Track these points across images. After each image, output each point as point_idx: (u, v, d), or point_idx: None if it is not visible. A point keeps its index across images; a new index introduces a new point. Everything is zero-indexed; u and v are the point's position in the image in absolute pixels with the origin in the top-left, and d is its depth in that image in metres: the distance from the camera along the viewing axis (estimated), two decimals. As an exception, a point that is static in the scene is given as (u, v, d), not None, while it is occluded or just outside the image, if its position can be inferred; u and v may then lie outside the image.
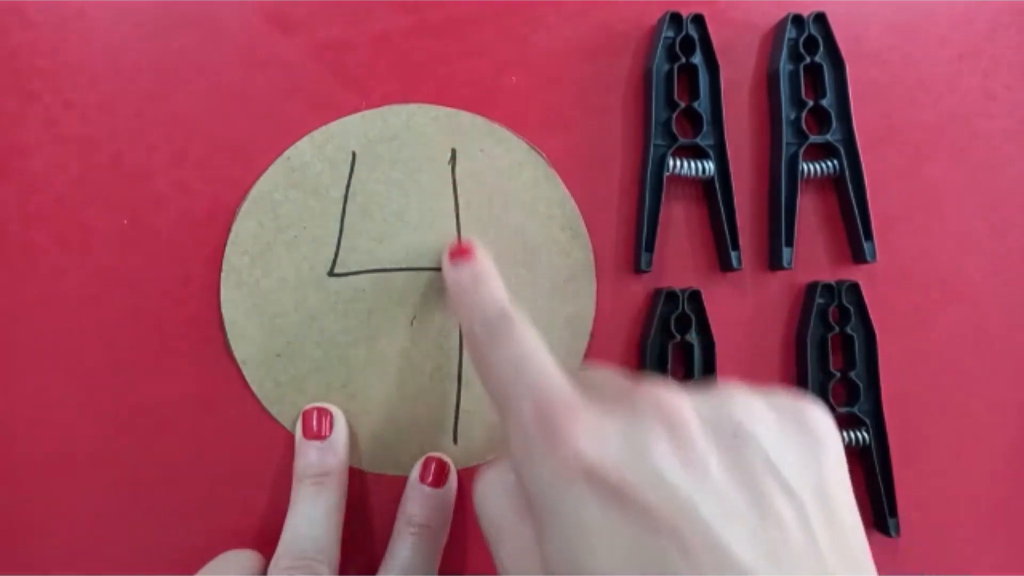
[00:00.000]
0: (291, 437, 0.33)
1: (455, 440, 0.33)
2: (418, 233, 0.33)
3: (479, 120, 0.34)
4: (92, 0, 0.33)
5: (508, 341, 0.25)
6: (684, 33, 0.34)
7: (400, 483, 0.33)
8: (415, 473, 0.33)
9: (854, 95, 0.35)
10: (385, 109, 0.33)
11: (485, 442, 0.33)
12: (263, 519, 0.33)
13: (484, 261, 0.31)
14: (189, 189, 0.33)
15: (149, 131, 0.33)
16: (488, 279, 0.29)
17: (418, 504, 0.32)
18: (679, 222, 0.35)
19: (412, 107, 0.34)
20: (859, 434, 0.34)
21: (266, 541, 0.33)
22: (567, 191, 0.34)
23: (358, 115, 0.33)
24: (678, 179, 0.34)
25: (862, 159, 0.34)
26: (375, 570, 0.32)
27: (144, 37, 0.33)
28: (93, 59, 0.33)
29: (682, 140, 0.34)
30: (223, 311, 0.32)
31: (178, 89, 0.33)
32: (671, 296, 0.34)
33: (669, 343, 0.34)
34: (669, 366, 0.34)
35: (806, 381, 0.34)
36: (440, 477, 0.32)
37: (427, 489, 0.32)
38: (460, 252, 0.31)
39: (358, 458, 0.33)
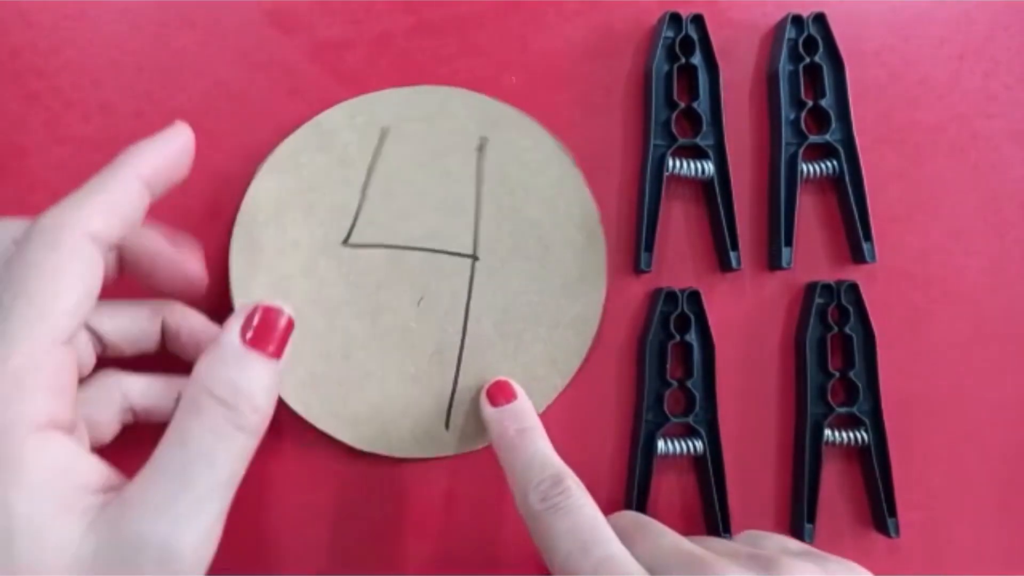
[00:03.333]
0: (288, 409, 0.32)
1: (447, 426, 0.33)
2: (437, 215, 0.33)
3: (512, 111, 0.34)
4: (92, 0, 0.33)
5: (567, 512, 0.26)
6: (684, 33, 0.34)
7: (391, 465, 0.33)
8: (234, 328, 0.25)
9: (854, 95, 0.35)
10: (421, 88, 0.34)
11: (477, 431, 0.33)
12: (259, 489, 0.33)
13: (526, 407, 0.31)
14: (189, 189, 0.33)
15: (149, 131, 0.33)
16: (535, 434, 0.30)
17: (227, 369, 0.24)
18: (679, 222, 0.35)
19: (447, 90, 0.34)
20: (858, 434, 0.34)
21: (264, 508, 0.33)
22: (590, 194, 0.34)
23: (393, 91, 0.33)
24: (678, 179, 0.34)
25: (862, 159, 0.34)
26: (367, 566, 0.33)
27: (144, 37, 0.33)
28: (93, 59, 0.33)
29: (682, 140, 0.34)
30: (231, 265, 0.32)
31: (178, 89, 0.33)
32: (671, 296, 0.34)
33: (668, 343, 0.34)
34: (668, 366, 0.34)
35: (805, 381, 0.34)
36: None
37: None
38: (500, 393, 0.32)
39: (349, 433, 0.33)
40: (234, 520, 0.33)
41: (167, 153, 0.27)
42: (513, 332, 0.33)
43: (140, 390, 0.29)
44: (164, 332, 0.29)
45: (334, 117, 0.33)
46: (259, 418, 0.24)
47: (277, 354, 0.25)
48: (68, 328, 0.23)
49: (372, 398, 0.33)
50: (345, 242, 0.33)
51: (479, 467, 0.34)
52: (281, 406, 0.32)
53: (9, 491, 0.21)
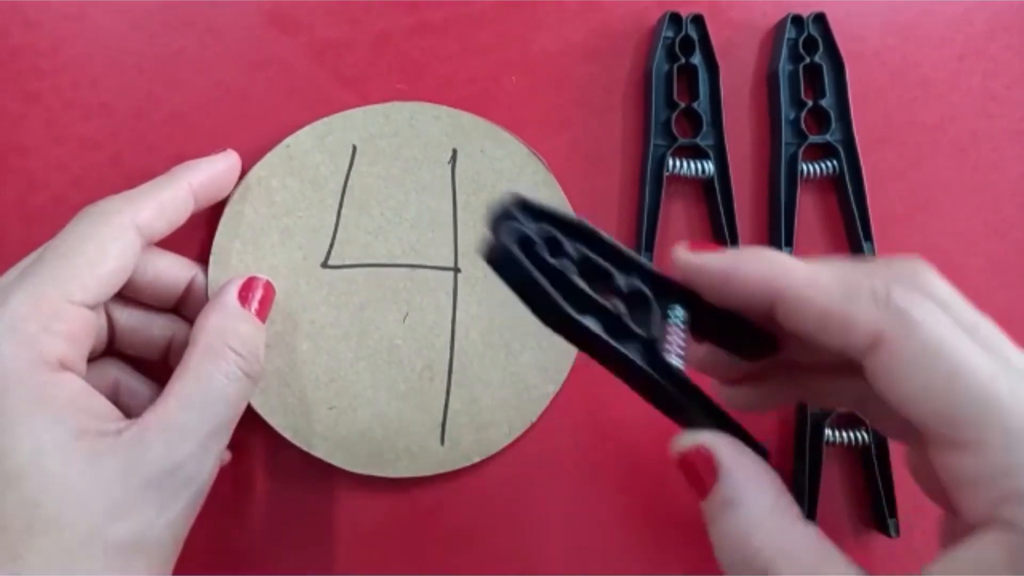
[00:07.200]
0: (273, 432, 0.32)
1: (442, 441, 0.33)
2: (415, 230, 0.33)
3: (481, 121, 0.34)
4: (92, 0, 0.33)
5: None
6: (684, 33, 0.34)
7: (384, 484, 0.33)
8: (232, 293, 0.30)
9: (854, 95, 0.35)
10: (388, 105, 0.33)
11: (472, 444, 0.33)
12: (245, 513, 0.33)
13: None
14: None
15: (149, 131, 0.33)
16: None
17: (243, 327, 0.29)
18: (679, 222, 0.35)
19: (415, 105, 0.34)
20: (859, 434, 0.34)
21: (246, 531, 0.33)
22: (565, 197, 0.34)
23: (360, 110, 0.33)
24: (678, 179, 0.34)
25: (862, 159, 0.34)
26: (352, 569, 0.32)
27: (144, 37, 0.33)
28: (93, 59, 0.33)
29: (682, 140, 0.34)
30: (209, 294, 0.31)
31: (178, 89, 0.33)
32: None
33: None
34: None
35: (806, 381, 0.34)
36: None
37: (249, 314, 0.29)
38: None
39: (342, 456, 0.32)
40: (225, 540, 0.33)
41: (216, 171, 0.31)
42: (501, 342, 0.33)
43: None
44: (169, 347, 0.31)
45: (302, 140, 0.33)
46: (261, 369, 0.29)
47: (262, 318, 0.30)
48: (95, 293, 0.26)
49: (364, 419, 0.32)
50: (325, 264, 0.33)
51: (475, 481, 0.34)
52: (271, 432, 0.32)
53: (35, 419, 0.23)
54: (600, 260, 0.21)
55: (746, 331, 0.22)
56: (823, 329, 0.19)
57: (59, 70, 0.33)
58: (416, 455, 0.33)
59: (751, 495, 0.19)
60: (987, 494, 0.17)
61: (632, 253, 0.21)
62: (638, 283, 0.21)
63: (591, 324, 0.20)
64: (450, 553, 0.34)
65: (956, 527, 0.20)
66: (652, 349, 0.20)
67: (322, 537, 0.33)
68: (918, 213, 0.36)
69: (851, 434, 0.34)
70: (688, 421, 0.21)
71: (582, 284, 0.20)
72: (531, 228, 0.20)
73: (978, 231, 0.36)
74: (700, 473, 0.20)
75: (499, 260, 0.19)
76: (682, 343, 0.21)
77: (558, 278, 0.20)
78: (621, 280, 0.21)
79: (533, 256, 0.19)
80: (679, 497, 0.34)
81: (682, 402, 0.21)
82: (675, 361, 0.21)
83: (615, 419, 0.34)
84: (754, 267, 0.20)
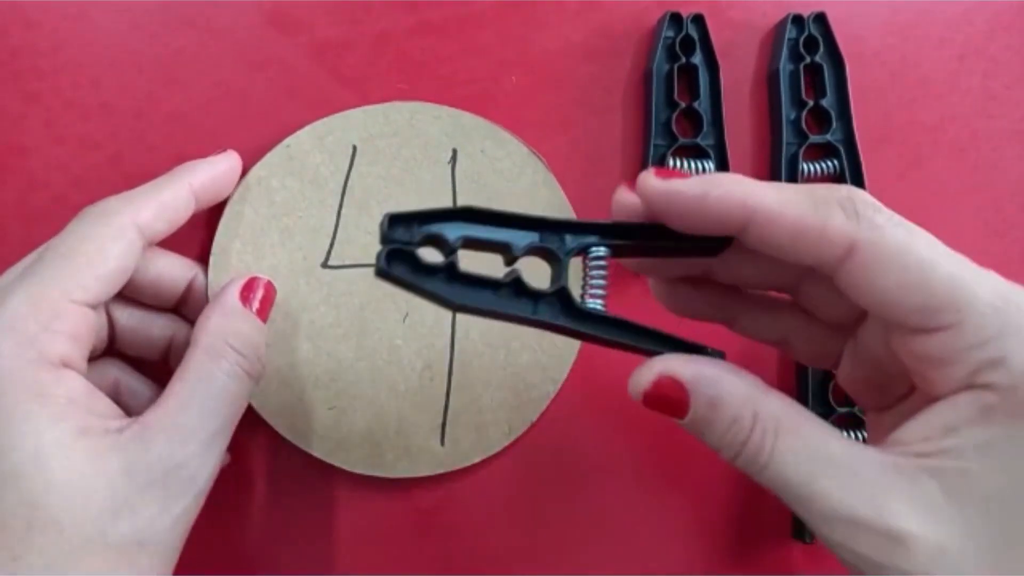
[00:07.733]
0: (273, 432, 0.32)
1: (442, 442, 0.33)
2: None
3: (481, 121, 0.34)
4: (92, 0, 0.33)
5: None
6: (684, 33, 0.34)
7: (385, 485, 0.33)
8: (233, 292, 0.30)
9: (854, 95, 0.35)
10: (387, 106, 0.33)
11: (472, 444, 0.33)
12: (245, 513, 0.33)
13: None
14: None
15: (149, 131, 0.33)
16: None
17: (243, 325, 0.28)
18: (679, 222, 0.35)
19: (414, 105, 0.34)
20: (859, 434, 0.34)
21: (246, 531, 0.33)
22: (565, 197, 0.34)
23: (360, 110, 0.33)
24: (678, 179, 0.34)
25: (862, 159, 0.34)
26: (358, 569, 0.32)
27: (144, 37, 0.33)
28: (93, 59, 0.33)
29: (682, 140, 0.34)
30: (210, 295, 0.31)
31: (178, 89, 0.33)
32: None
33: (669, 343, 0.34)
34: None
35: (806, 379, 0.34)
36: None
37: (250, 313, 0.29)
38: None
39: (342, 456, 0.32)
40: (225, 540, 0.33)
41: (217, 171, 0.31)
42: (501, 342, 0.33)
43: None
44: (169, 347, 0.31)
45: (302, 140, 0.33)
46: (263, 368, 0.29)
47: (264, 318, 0.30)
48: (96, 292, 0.26)
49: (364, 419, 0.32)
50: (325, 264, 0.33)
51: (475, 481, 0.34)
52: (271, 432, 0.32)
53: (35, 418, 0.23)
54: (491, 235, 0.21)
55: (686, 239, 0.22)
56: (798, 242, 0.20)
57: (59, 70, 0.33)
58: (416, 455, 0.33)
59: (727, 385, 0.21)
60: (962, 368, 0.19)
61: (535, 215, 0.22)
62: (538, 241, 0.22)
63: (485, 302, 0.21)
64: (450, 553, 0.34)
65: (891, 418, 0.22)
66: (565, 297, 0.21)
67: (322, 537, 0.33)
68: (918, 213, 0.36)
69: (851, 434, 0.34)
70: (634, 351, 0.22)
71: (465, 269, 0.21)
72: (416, 234, 0.21)
73: (978, 231, 0.36)
74: (671, 396, 0.21)
75: (386, 279, 0.20)
76: (603, 281, 0.22)
77: (447, 271, 0.20)
78: (520, 245, 0.22)
79: (413, 262, 0.20)
80: (680, 497, 0.34)
81: (607, 338, 0.21)
82: (593, 303, 0.22)
83: (615, 419, 0.34)
84: (727, 189, 0.21)
